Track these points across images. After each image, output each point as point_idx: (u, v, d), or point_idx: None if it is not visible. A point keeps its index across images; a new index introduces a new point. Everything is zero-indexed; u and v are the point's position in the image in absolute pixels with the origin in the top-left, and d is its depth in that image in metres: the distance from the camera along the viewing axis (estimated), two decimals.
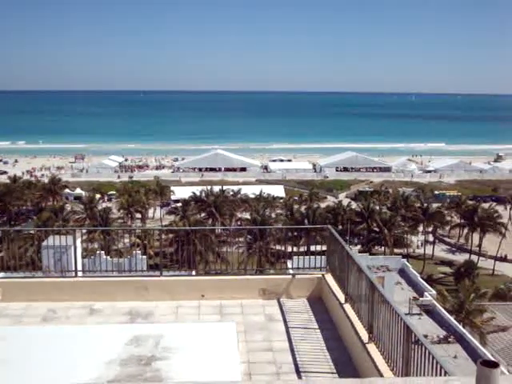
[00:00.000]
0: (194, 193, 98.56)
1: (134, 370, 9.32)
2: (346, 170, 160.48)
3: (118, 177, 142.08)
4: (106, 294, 13.92)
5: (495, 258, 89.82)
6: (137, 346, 10.16)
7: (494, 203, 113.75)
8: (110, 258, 30.88)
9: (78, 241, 15.71)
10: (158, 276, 14.54)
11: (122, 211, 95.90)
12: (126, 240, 54.93)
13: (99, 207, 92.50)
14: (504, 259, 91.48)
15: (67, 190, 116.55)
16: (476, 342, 45.82)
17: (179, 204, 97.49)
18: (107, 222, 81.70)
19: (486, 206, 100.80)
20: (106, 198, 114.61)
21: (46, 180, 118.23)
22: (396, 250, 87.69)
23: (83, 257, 16.90)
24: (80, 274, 14.82)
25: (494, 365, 4.97)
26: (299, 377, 10.53)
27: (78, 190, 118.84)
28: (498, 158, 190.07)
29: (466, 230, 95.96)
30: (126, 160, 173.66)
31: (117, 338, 10.46)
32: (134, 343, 10.24)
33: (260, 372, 10.70)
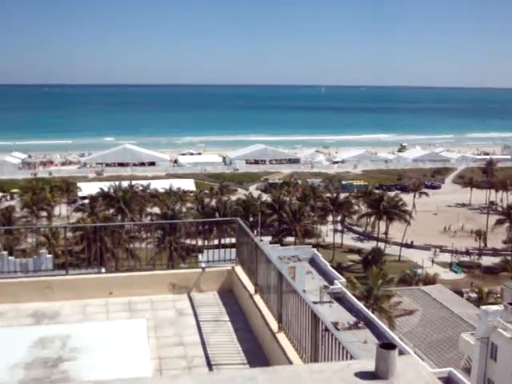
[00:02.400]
0: (101, 189, 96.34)
1: (40, 373, 9.05)
2: (255, 162, 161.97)
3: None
4: (9, 295, 13.35)
5: (401, 245, 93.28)
6: (43, 348, 9.84)
7: (399, 191, 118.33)
8: (15, 258, 29.84)
9: None
10: (64, 275, 14.13)
11: (26, 210, 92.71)
12: (32, 239, 53.24)
13: (1, 206, 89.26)
14: (410, 245, 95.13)
15: None
16: (384, 327, 47.24)
17: (87, 201, 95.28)
18: (10, 221, 79.10)
19: (391, 194, 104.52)
20: (8, 197, 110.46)
21: None
22: (306, 240, 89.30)
23: None
24: None
25: (392, 346, 5.16)
26: (211, 369, 10.51)
27: None
28: (402, 148, 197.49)
29: (373, 219, 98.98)
30: (30, 157, 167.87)
31: (21, 341, 10.08)
32: (39, 345, 9.91)
33: (171, 367, 10.62)
